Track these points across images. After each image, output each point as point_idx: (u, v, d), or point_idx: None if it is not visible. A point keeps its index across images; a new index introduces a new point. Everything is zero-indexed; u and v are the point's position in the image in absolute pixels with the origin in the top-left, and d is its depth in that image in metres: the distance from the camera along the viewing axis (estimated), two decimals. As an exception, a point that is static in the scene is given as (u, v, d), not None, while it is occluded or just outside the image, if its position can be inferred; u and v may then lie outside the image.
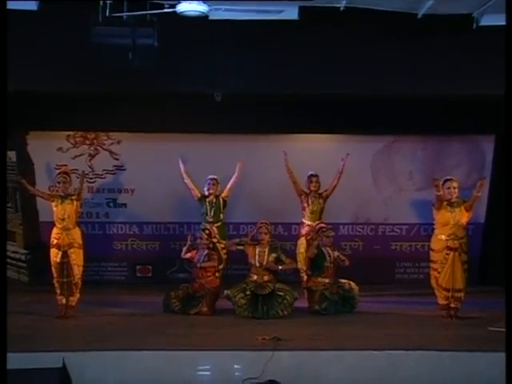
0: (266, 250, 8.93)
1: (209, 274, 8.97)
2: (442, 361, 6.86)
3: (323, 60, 8.01)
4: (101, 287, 10.23)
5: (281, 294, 8.72)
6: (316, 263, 9.02)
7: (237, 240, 9.20)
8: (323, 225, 9.19)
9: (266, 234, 8.98)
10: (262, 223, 9.05)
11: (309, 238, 9.54)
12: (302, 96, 8.81)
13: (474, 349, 7.03)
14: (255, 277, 8.84)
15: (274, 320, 8.42)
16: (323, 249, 8.99)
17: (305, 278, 9.56)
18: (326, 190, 9.68)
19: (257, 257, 8.88)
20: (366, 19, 7.56)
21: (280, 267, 8.90)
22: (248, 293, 8.70)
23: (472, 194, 8.46)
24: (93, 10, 6.75)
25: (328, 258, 8.98)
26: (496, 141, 10.57)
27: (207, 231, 9.20)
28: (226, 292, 8.74)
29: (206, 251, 9.01)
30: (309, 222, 9.64)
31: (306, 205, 9.66)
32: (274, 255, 8.92)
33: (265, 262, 8.84)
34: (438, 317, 8.49)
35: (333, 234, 9.16)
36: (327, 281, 8.91)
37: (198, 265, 8.93)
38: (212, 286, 8.92)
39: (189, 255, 9.11)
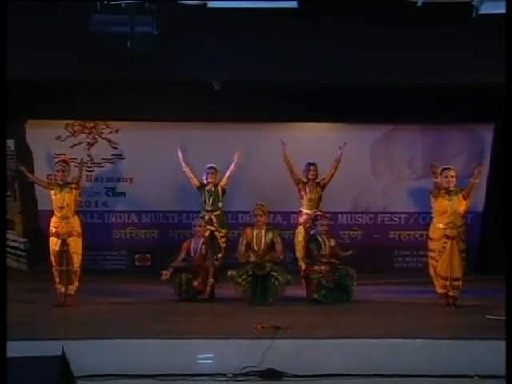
0: (263, 231, 8.99)
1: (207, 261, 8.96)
2: (440, 349, 6.87)
3: (322, 48, 7.99)
4: (100, 276, 10.22)
5: (274, 274, 8.77)
6: (312, 252, 9.03)
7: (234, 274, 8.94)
8: (319, 213, 9.20)
9: (261, 215, 9.01)
10: (257, 205, 9.09)
11: (307, 226, 9.57)
12: (300, 84, 8.80)
13: (472, 337, 7.04)
14: (254, 257, 8.89)
15: (272, 308, 8.43)
16: (318, 237, 9.01)
17: (303, 266, 9.59)
18: (323, 179, 9.69)
19: (254, 239, 8.93)
20: (365, 7, 7.53)
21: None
22: (250, 273, 8.77)
23: (470, 182, 8.47)
24: (91, -2, 6.74)
25: (323, 246, 8.99)
26: (495, 129, 10.56)
27: (205, 218, 9.20)
28: (230, 272, 8.78)
29: (202, 239, 9.00)
30: (307, 211, 9.66)
31: (303, 193, 9.67)
32: (270, 236, 8.97)
33: (263, 245, 8.89)
34: (437, 305, 8.50)
35: (327, 222, 9.15)
36: (323, 268, 8.92)
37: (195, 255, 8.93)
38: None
39: (184, 249, 9.05)
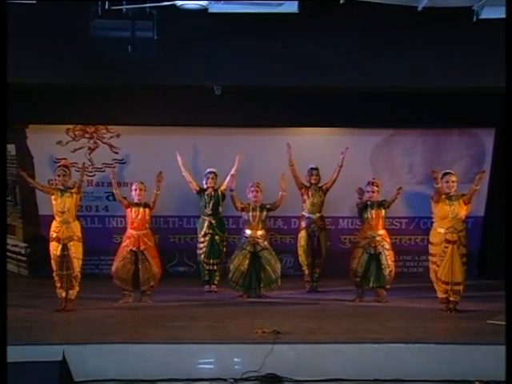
0: (258, 206, 9.31)
1: None
2: (441, 354, 6.86)
3: (323, 53, 8.00)
4: (100, 281, 10.21)
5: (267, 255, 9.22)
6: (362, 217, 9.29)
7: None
8: (371, 179, 9.38)
9: (257, 191, 9.29)
10: (253, 183, 9.35)
11: (309, 230, 9.60)
12: (301, 89, 8.80)
13: (473, 342, 7.04)
14: (249, 232, 9.24)
15: (273, 313, 8.43)
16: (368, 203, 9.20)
17: (306, 271, 9.60)
18: (326, 183, 9.70)
19: (251, 213, 9.27)
20: (365, 12, 7.53)
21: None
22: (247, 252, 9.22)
23: (471, 188, 8.47)
24: (92, 3, 6.73)
25: (369, 212, 9.17)
26: (496, 134, 10.56)
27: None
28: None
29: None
30: (309, 215, 9.67)
31: (306, 197, 9.69)
32: (265, 213, 9.36)
33: (257, 219, 9.25)
34: (438, 310, 8.50)
35: (372, 189, 9.24)
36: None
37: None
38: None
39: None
